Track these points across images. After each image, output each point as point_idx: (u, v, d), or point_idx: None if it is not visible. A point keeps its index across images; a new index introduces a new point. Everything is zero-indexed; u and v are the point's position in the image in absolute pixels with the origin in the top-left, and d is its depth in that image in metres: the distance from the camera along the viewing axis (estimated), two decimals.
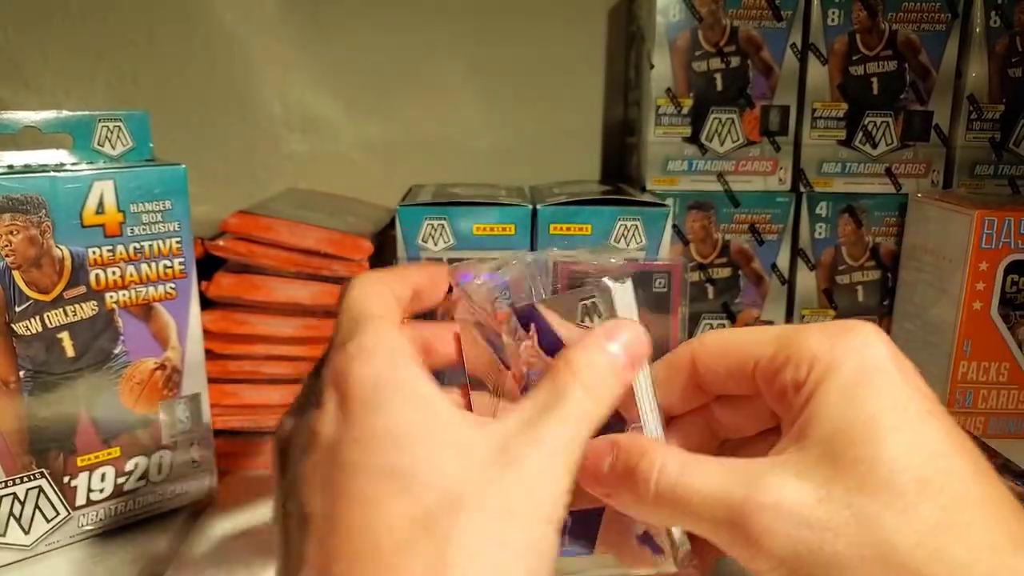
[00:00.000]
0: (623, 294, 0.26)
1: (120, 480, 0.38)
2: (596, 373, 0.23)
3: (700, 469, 0.22)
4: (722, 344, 0.25)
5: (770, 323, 0.57)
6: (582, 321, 0.26)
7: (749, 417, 0.26)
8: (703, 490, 0.22)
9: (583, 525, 0.27)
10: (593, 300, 0.26)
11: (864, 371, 0.21)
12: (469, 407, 0.27)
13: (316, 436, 0.21)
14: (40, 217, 0.34)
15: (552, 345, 0.26)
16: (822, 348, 0.22)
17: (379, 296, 0.24)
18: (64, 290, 0.36)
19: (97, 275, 0.36)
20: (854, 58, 0.54)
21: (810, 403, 0.22)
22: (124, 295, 0.37)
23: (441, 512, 0.19)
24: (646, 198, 0.50)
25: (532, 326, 0.27)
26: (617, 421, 0.25)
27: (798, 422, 0.22)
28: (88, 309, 0.36)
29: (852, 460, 0.20)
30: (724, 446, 0.27)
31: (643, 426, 0.25)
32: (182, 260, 0.39)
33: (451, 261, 0.47)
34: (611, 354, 0.23)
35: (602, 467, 0.24)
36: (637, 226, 0.48)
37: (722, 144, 0.55)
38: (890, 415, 0.21)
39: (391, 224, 0.49)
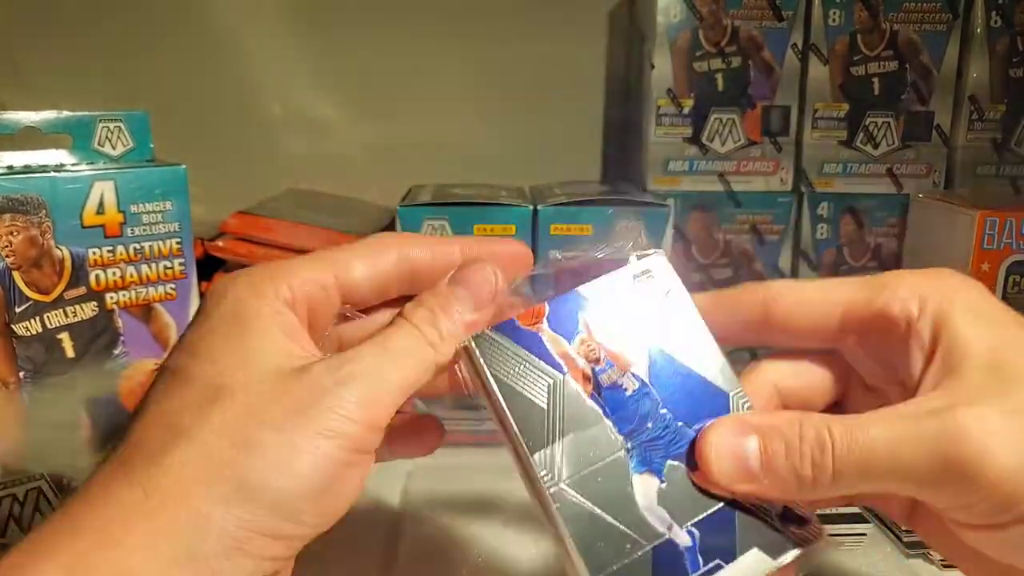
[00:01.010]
0: (662, 263, 0.25)
1: None
2: (415, 337, 0.22)
3: (873, 424, 0.21)
4: (800, 292, 0.25)
5: None
6: (643, 299, 0.24)
7: (821, 383, 0.26)
8: (890, 442, 0.20)
9: (716, 534, 0.23)
10: (648, 272, 0.25)
11: (978, 299, 0.22)
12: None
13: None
14: (40, 217, 0.34)
15: (613, 334, 0.24)
16: (924, 286, 0.23)
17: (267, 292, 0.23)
18: (64, 291, 0.35)
19: (97, 276, 0.36)
20: (855, 58, 0.54)
21: (941, 334, 0.22)
22: (124, 296, 0.37)
23: (192, 408, 0.20)
24: (647, 198, 0.50)
25: (580, 316, 0.24)
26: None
27: (937, 354, 0.22)
28: (88, 310, 0.36)
29: (1014, 376, 0.20)
30: None
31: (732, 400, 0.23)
32: (182, 261, 0.39)
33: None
34: (428, 330, 0.23)
35: (749, 464, 0.22)
36: (638, 226, 0.48)
37: (723, 144, 0.55)
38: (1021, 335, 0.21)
39: (391, 224, 0.49)
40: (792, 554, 0.23)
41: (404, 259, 0.25)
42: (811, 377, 0.26)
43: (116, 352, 0.37)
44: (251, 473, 0.19)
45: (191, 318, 0.23)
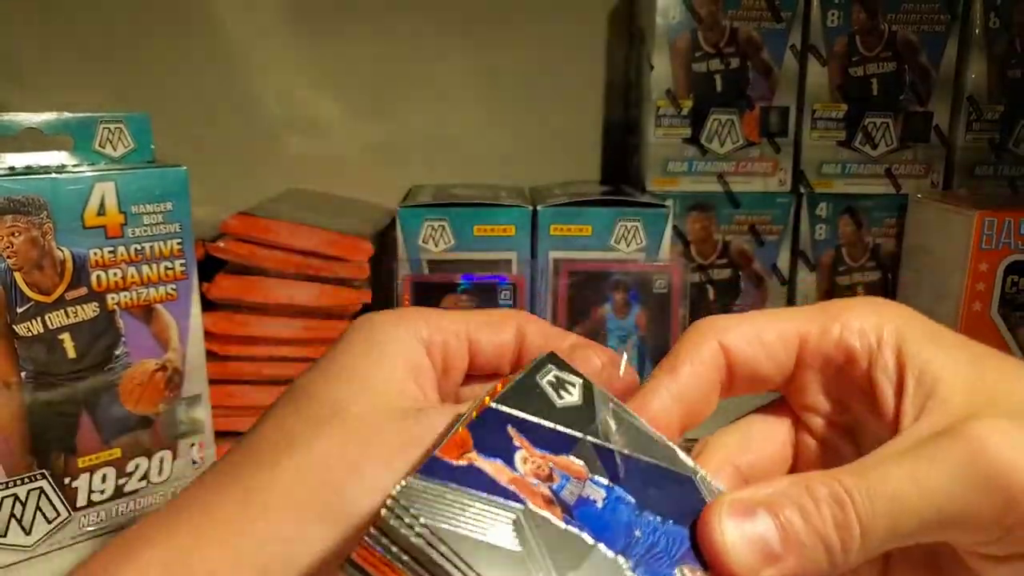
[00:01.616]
0: (557, 359, 0.22)
1: (121, 481, 0.38)
2: None
3: (883, 464, 0.19)
4: (753, 327, 0.23)
5: None
6: (560, 398, 0.21)
7: (774, 449, 0.24)
8: (912, 478, 0.18)
9: None
10: (552, 371, 0.21)
11: (925, 323, 0.22)
12: None
13: None
14: (41, 218, 0.34)
15: (551, 443, 0.20)
16: (875, 316, 0.22)
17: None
18: (65, 291, 0.36)
19: (98, 276, 0.36)
20: (854, 59, 0.54)
21: (908, 361, 0.21)
22: (125, 296, 0.37)
23: (309, 423, 0.20)
24: (646, 199, 0.50)
25: (510, 431, 0.20)
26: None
27: (908, 381, 0.21)
28: (89, 310, 0.36)
29: (994, 396, 0.19)
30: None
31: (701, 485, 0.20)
32: (183, 261, 0.39)
33: (451, 263, 0.48)
34: None
35: (768, 545, 0.19)
36: (637, 227, 0.48)
37: (722, 145, 0.55)
38: (981, 356, 0.21)
39: (391, 225, 0.49)
40: None
41: (520, 335, 0.25)
42: (764, 445, 0.24)
43: (117, 353, 0.37)
44: (350, 500, 0.19)
45: None
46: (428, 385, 0.23)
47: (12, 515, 0.35)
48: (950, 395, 0.20)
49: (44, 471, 0.36)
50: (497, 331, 0.25)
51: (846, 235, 0.56)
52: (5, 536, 0.35)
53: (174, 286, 0.39)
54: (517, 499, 0.18)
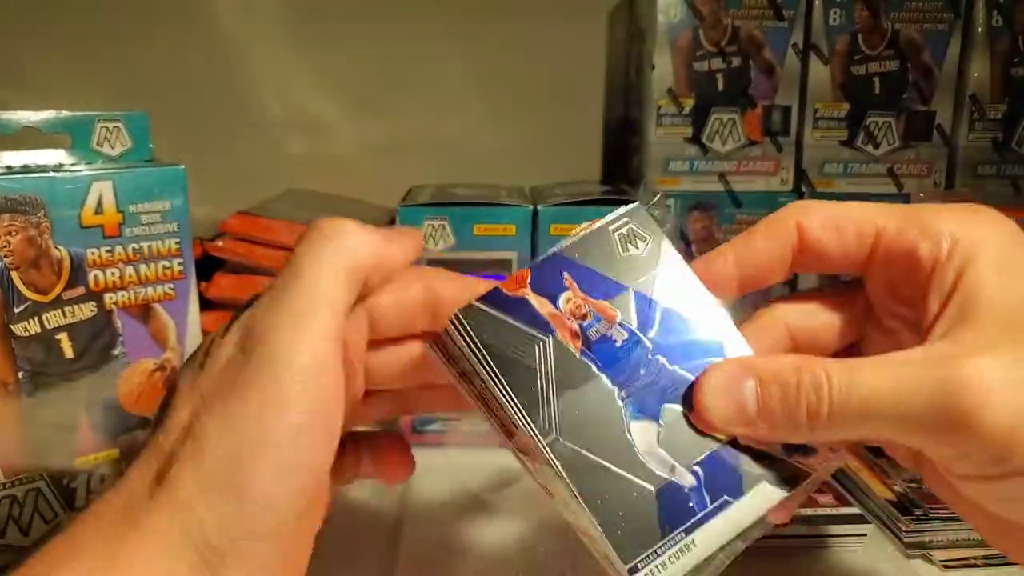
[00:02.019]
0: (641, 215, 0.25)
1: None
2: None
3: (871, 369, 0.21)
4: (835, 213, 0.24)
5: None
6: (625, 251, 0.24)
7: (835, 324, 0.25)
8: (889, 388, 0.20)
9: (721, 472, 0.23)
10: (627, 224, 0.24)
11: (1010, 248, 0.21)
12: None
13: (211, 357, 0.23)
14: (39, 217, 0.34)
15: (598, 288, 0.24)
16: (958, 227, 0.22)
17: (332, 273, 0.24)
18: (63, 291, 0.35)
19: (96, 276, 0.36)
20: (856, 58, 0.54)
21: (963, 281, 0.21)
22: (123, 296, 0.37)
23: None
24: (647, 199, 0.50)
25: (564, 275, 0.24)
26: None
27: (954, 301, 0.21)
28: (87, 310, 0.36)
29: None
30: None
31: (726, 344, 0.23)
32: (181, 261, 0.39)
33: (451, 262, 0.47)
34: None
35: (746, 407, 0.22)
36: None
37: (724, 144, 0.55)
38: None
39: (391, 225, 0.49)
40: (802, 484, 0.23)
41: (430, 291, 0.25)
42: (825, 318, 0.26)
43: (115, 352, 0.37)
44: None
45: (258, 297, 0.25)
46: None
47: (10, 516, 0.35)
48: (980, 326, 0.21)
49: (42, 472, 0.36)
50: (401, 294, 0.25)
51: None
52: (3, 537, 0.35)
53: (172, 285, 0.39)
54: (548, 330, 0.23)
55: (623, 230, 0.24)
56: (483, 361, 0.22)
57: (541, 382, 0.23)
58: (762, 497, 0.23)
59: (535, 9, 0.64)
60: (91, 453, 0.37)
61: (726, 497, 0.23)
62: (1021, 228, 0.23)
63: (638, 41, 0.59)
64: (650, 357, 0.24)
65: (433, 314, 0.25)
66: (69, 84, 0.61)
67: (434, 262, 0.47)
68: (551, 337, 0.23)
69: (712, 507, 0.23)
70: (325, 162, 0.65)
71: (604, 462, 0.22)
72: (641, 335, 0.24)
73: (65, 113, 0.37)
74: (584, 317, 0.24)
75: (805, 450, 0.23)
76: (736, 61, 0.54)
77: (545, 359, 0.23)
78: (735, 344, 0.24)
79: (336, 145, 0.65)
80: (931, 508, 0.37)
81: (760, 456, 0.23)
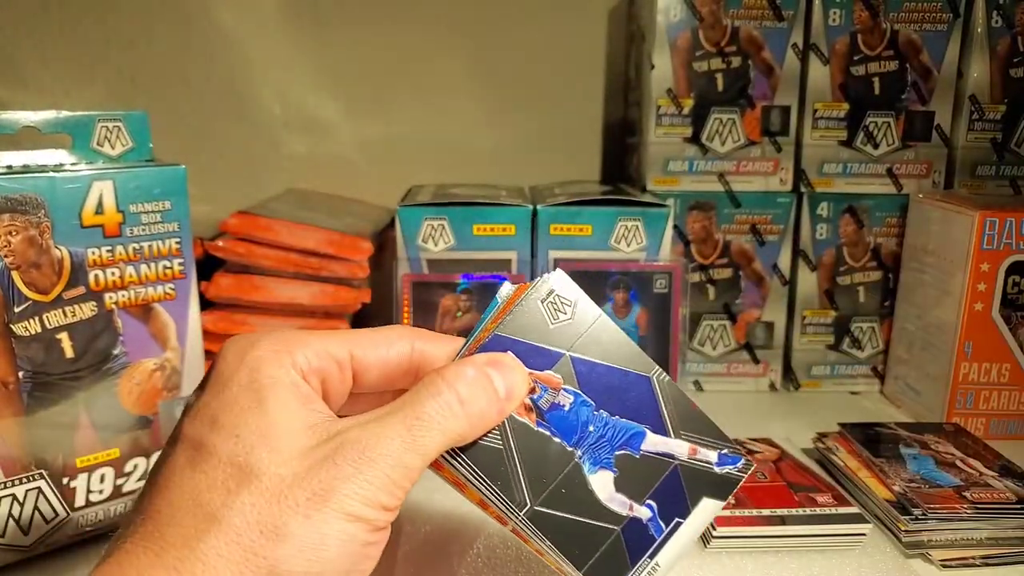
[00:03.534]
0: (562, 279, 0.27)
1: (119, 481, 0.38)
2: (470, 385, 0.23)
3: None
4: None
5: (771, 324, 0.57)
6: (555, 319, 0.26)
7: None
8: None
9: (669, 498, 0.26)
10: (552, 292, 0.27)
11: None
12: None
13: (183, 412, 0.23)
14: (39, 217, 0.34)
15: (538, 359, 0.26)
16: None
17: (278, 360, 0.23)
18: (63, 291, 0.35)
19: (96, 276, 0.36)
20: (855, 58, 0.54)
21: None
22: (123, 295, 0.37)
23: (221, 489, 0.21)
24: (647, 198, 0.50)
25: (508, 354, 0.26)
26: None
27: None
28: (87, 310, 0.36)
29: None
30: None
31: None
32: (181, 261, 0.39)
33: (451, 262, 0.47)
34: (489, 375, 0.24)
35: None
36: (638, 226, 0.48)
37: (723, 144, 0.55)
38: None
39: (391, 224, 0.49)
40: (733, 489, 0.27)
41: (417, 351, 0.26)
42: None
43: (115, 352, 0.37)
44: (281, 563, 0.20)
45: (202, 380, 0.23)
46: (320, 407, 0.23)
47: (10, 515, 0.35)
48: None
49: (42, 471, 0.36)
50: (385, 351, 0.25)
51: (847, 235, 0.56)
52: (3, 536, 0.35)
53: (172, 285, 0.39)
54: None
55: (551, 299, 0.27)
56: (454, 455, 0.24)
57: (507, 460, 0.25)
58: (706, 510, 0.27)
59: (535, 9, 0.64)
60: (91, 452, 0.37)
61: (677, 519, 0.26)
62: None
63: (638, 41, 0.59)
64: (595, 413, 0.26)
65: (416, 374, 0.26)
66: (69, 84, 0.61)
67: (434, 262, 0.47)
68: (510, 416, 0.25)
69: (668, 530, 0.26)
70: (325, 162, 0.65)
71: (573, 517, 0.25)
72: (584, 395, 0.26)
73: (65, 113, 0.37)
74: (533, 391, 0.26)
75: (733, 459, 0.27)
76: (736, 61, 0.54)
77: (509, 437, 0.25)
78: (660, 377, 0.27)
79: (336, 145, 0.65)
80: (930, 508, 0.37)
81: (698, 475, 0.27)
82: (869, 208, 0.56)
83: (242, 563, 0.20)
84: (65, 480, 0.37)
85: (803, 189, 0.56)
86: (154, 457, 0.39)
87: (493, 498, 0.25)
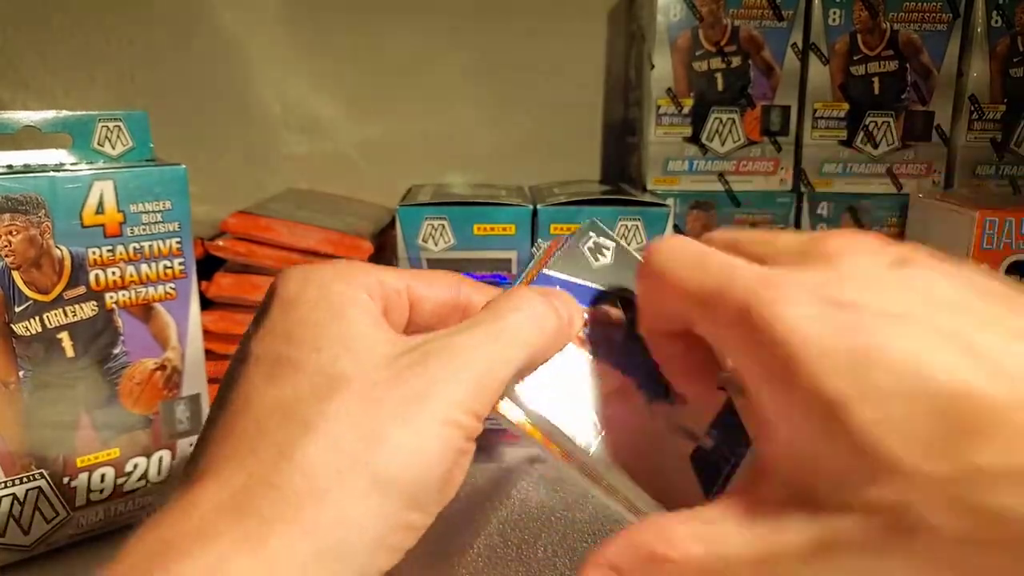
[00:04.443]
0: (600, 226, 0.27)
1: (120, 481, 0.38)
2: (535, 305, 0.23)
3: (736, 541, 0.19)
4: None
5: None
6: (596, 261, 0.27)
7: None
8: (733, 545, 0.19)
9: (729, 432, 0.25)
10: (592, 238, 0.27)
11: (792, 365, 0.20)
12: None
13: (242, 340, 0.22)
14: (39, 217, 0.34)
15: (584, 296, 0.26)
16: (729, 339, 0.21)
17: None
18: (64, 290, 0.35)
19: (97, 275, 0.36)
20: (855, 58, 0.54)
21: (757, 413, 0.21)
22: (124, 295, 0.37)
23: (311, 399, 0.19)
24: (647, 198, 0.50)
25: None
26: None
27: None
28: (88, 309, 0.36)
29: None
30: None
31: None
32: (182, 260, 0.39)
33: (451, 262, 0.47)
34: (551, 300, 0.23)
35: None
36: (638, 226, 0.48)
37: (723, 144, 0.55)
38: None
39: (391, 224, 0.49)
40: None
41: (464, 295, 0.25)
42: None
43: (116, 352, 0.37)
44: (384, 467, 0.19)
45: (263, 305, 0.22)
46: (391, 330, 0.23)
47: (11, 514, 0.35)
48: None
49: (43, 471, 0.36)
50: (437, 289, 0.25)
51: None
52: (4, 535, 0.35)
53: (173, 285, 0.39)
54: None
55: (590, 244, 0.27)
56: (523, 391, 0.24)
57: (573, 393, 0.24)
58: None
59: (535, 9, 0.64)
60: (92, 452, 0.37)
61: (741, 448, 0.25)
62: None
63: (638, 41, 0.59)
64: (643, 346, 0.25)
65: (462, 316, 0.25)
66: (69, 84, 0.61)
67: (434, 262, 0.47)
68: (569, 349, 0.25)
69: (733, 462, 0.25)
70: (325, 161, 0.65)
71: (641, 449, 0.25)
72: (629, 328, 0.26)
73: (65, 113, 0.37)
74: (584, 325, 0.25)
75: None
76: (735, 61, 0.54)
77: (570, 366, 0.25)
78: None
79: (336, 144, 0.65)
80: None
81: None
82: (869, 208, 0.56)
83: (344, 469, 0.19)
84: (66, 480, 0.37)
85: (803, 189, 0.56)
86: (155, 456, 0.39)
87: (560, 435, 0.24)
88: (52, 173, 0.35)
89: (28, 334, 0.35)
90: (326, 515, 0.18)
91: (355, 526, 0.18)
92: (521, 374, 0.23)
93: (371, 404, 0.20)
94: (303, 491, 0.18)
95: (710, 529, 0.19)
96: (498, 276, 0.47)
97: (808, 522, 0.17)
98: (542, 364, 0.24)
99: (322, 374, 0.20)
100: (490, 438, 0.47)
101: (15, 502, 0.35)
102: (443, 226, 0.47)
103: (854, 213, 0.56)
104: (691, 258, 0.21)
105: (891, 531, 0.16)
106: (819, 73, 0.54)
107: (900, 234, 0.56)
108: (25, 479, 0.36)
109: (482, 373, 0.21)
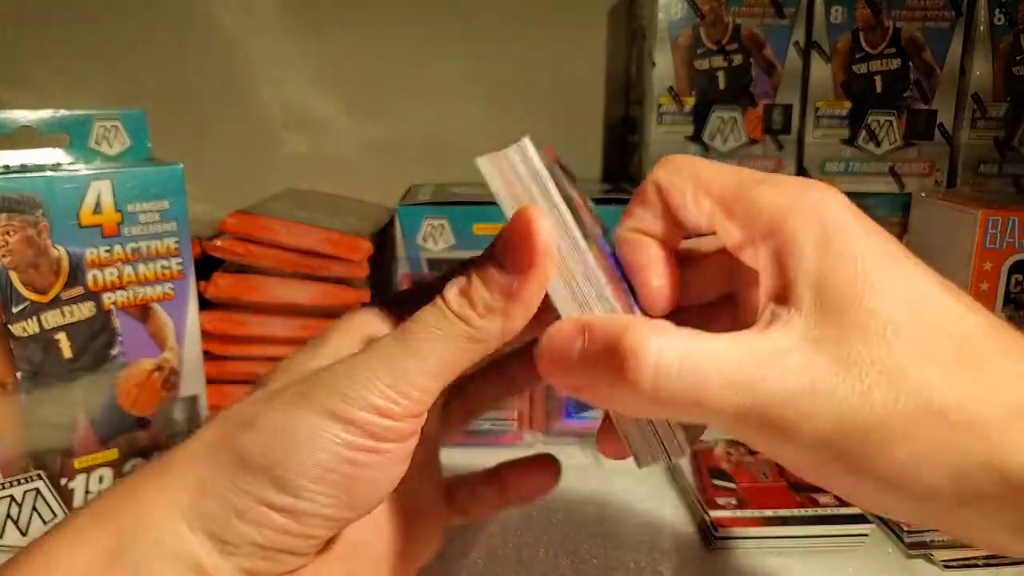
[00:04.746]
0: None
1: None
2: (456, 300, 0.22)
3: (708, 349, 0.20)
4: (693, 173, 0.24)
5: None
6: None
7: (709, 277, 0.26)
8: (719, 376, 0.19)
9: None
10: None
11: (833, 227, 0.21)
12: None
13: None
14: (37, 217, 0.34)
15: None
16: (782, 202, 0.22)
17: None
18: (61, 291, 0.35)
19: (95, 275, 0.36)
20: (857, 56, 0.54)
21: (785, 263, 0.21)
22: (122, 295, 0.37)
23: (244, 400, 0.23)
24: None
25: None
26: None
27: (774, 284, 0.21)
28: (86, 310, 0.36)
29: (857, 316, 0.19)
30: (681, 318, 0.23)
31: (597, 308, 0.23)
32: (180, 260, 0.39)
33: (451, 261, 0.47)
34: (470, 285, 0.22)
35: (570, 353, 0.21)
36: None
37: (724, 143, 0.55)
38: (875, 266, 0.20)
39: (390, 224, 0.49)
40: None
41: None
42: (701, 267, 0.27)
43: (114, 352, 0.37)
44: (249, 447, 0.21)
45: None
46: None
47: (8, 516, 0.35)
48: (809, 320, 0.20)
49: (40, 472, 0.36)
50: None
51: None
52: (1, 537, 0.35)
53: (171, 285, 0.38)
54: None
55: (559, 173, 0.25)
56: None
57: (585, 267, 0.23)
58: None
59: (535, 7, 0.63)
60: (89, 453, 0.37)
61: None
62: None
63: (639, 39, 0.59)
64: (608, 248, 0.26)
65: None
66: (67, 83, 0.61)
67: (434, 262, 0.47)
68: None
69: None
70: (324, 161, 0.65)
71: None
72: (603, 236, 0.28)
73: (63, 112, 0.37)
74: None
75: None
76: (737, 59, 0.54)
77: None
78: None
79: (335, 144, 0.65)
80: None
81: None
82: (871, 207, 0.55)
83: (216, 446, 0.22)
84: (63, 481, 0.37)
85: None
86: (152, 457, 0.39)
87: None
88: (49, 173, 0.35)
89: (26, 335, 0.35)
90: (190, 479, 0.21)
91: (213, 492, 0.21)
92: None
93: (264, 402, 0.22)
94: (178, 463, 0.22)
95: (684, 335, 0.20)
96: None
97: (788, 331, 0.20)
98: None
99: (262, 386, 0.24)
100: (490, 439, 0.47)
101: (13, 503, 0.35)
102: (443, 226, 0.46)
103: None
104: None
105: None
106: (821, 71, 0.54)
107: (902, 233, 0.56)
108: (23, 480, 0.35)
109: (384, 373, 0.21)
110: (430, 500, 0.29)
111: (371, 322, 0.25)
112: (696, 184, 0.24)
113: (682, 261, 0.26)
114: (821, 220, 0.21)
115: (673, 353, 0.20)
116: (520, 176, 0.23)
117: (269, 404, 0.22)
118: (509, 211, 0.23)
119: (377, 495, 0.22)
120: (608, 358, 0.20)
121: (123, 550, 0.20)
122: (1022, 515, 0.18)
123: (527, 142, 0.23)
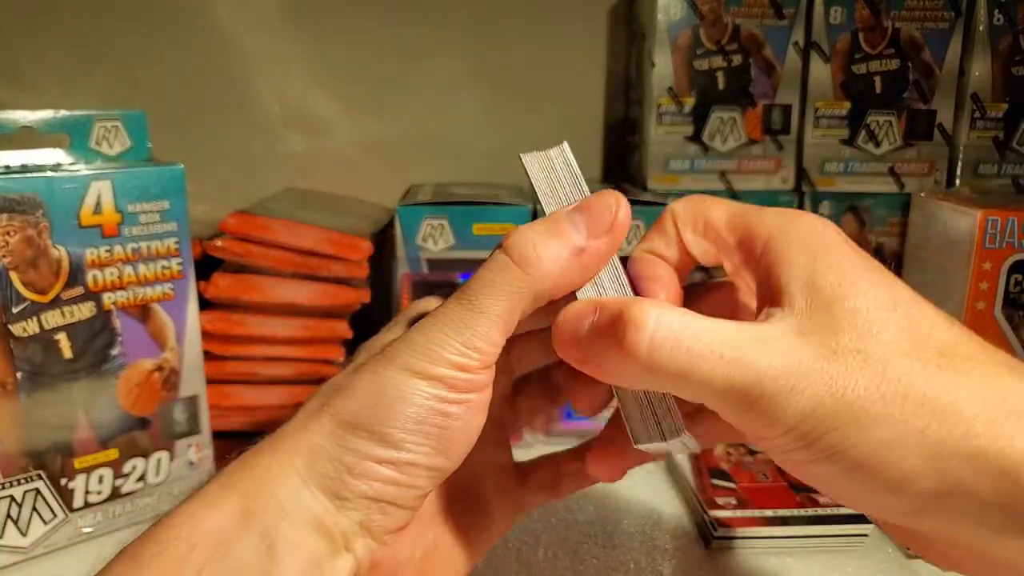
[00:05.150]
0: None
1: (118, 482, 0.38)
2: (521, 246, 0.24)
3: (704, 326, 0.21)
4: (705, 208, 0.27)
5: None
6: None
7: (710, 308, 0.27)
8: (711, 350, 0.21)
9: None
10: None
11: (822, 242, 0.23)
12: None
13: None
14: (37, 217, 0.34)
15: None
16: (778, 223, 0.24)
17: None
18: (62, 291, 0.35)
19: (95, 276, 0.36)
20: (857, 56, 0.54)
21: (779, 272, 0.23)
22: (122, 296, 0.37)
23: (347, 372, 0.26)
24: (648, 197, 0.50)
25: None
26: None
27: (769, 292, 0.23)
28: (86, 310, 0.36)
29: (845, 313, 0.21)
30: None
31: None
32: (180, 260, 0.39)
33: (451, 261, 0.47)
34: (540, 231, 0.25)
35: (581, 327, 0.23)
36: (639, 225, 0.48)
37: (724, 143, 0.55)
38: (861, 274, 0.22)
39: (390, 224, 0.49)
40: None
41: None
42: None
43: (114, 352, 0.37)
44: (348, 409, 0.23)
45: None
46: None
47: (8, 516, 0.35)
48: (800, 315, 0.22)
49: (40, 472, 0.36)
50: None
51: (849, 234, 0.56)
52: (1, 537, 0.35)
53: (171, 285, 0.38)
54: None
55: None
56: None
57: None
58: None
59: (535, 7, 0.64)
60: (89, 453, 0.37)
61: None
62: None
63: (638, 40, 0.59)
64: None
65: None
66: (67, 83, 0.61)
67: (434, 262, 0.47)
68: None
69: None
70: (324, 161, 0.65)
71: None
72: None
73: (63, 112, 0.37)
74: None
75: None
76: (736, 59, 0.54)
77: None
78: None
79: (335, 144, 0.65)
80: None
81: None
82: (871, 207, 0.56)
83: (320, 411, 0.24)
84: (63, 481, 0.37)
85: (805, 188, 0.56)
86: (153, 458, 0.39)
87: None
88: (50, 173, 0.35)
89: (26, 335, 0.35)
90: (304, 444, 0.23)
91: (323, 454, 0.23)
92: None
93: (359, 368, 0.24)
94: (291, 430, 0.24)
95: (684, 313, 0.22)
96: None
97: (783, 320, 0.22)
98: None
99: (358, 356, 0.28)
100: None
101: (13, 504, 0.35)
102: (443, 226, 0.46)
103: (856, 212, 0.56)
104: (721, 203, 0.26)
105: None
106: (820, 72, 0.54)
107: (902, 233, 0.56)
108: (23, 480, 0.35)
109: (451, 328, 0.23)
110: (500, 482, 0.31)
111: (433, 305, 0.27)
112: (707, 219, 0.26)
113: (687, 293, 0.28)
114: (812, 236, 0.23)
115: (670, 325, 0.21)
116: (559, 174, 0.27)
117: (358, 372, 0.24)
118: (548, 202, 0.26)
119: (466, 443, 0.24)
120: (612, 328, 0.22)
121: (252, 513, 0.22)
122: (1003, 507, 0.19)
123: (567, 146, 0.27)
